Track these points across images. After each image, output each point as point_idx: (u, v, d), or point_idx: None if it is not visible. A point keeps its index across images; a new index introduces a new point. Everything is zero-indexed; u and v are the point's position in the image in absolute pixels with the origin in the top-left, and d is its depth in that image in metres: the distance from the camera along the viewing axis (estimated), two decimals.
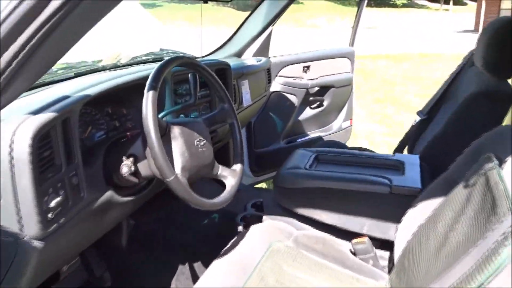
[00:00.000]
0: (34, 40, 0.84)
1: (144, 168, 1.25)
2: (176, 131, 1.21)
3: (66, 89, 1.25)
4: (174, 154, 1.19)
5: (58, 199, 1.05)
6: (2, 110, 0.99)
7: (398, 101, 6.30)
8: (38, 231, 1.00)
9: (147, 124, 1.09)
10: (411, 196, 1.42)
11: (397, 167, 1.67)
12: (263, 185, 3.13)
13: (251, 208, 1.87)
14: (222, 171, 1.35)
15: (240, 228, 1.72)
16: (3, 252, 1.03)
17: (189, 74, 1.64)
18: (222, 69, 1.91)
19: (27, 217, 0.99)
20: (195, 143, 1.25)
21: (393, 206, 1.47)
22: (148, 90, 1.12)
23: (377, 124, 5.15)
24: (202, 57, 2.44)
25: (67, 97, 1.15)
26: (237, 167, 1.39)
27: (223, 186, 1.36)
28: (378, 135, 4.73)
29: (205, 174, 1.30)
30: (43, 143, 1.01)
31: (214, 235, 2.00)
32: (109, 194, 1.27)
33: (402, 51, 10.99)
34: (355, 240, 1.41)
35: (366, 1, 2.99)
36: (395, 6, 22.34)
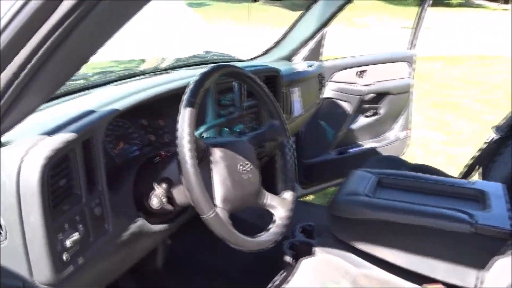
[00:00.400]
0: (44, 48, 0.67)
1: (180, 195, 1.06)
2: (216, 154, 1.02)
3: (93, 100, 1.09)
4: (214, 182, 1.00)
5: (76, 236, 0.88)
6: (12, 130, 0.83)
7: (457, 106, 5.86)
8: (49, 277, 0.83)
9: (182, 149, 0.90)
10: (497, 238, 1.16)
11: (478, 198, 1.40)
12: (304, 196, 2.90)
13: (300, 233, 1.65)
14: (270, 200, 1.14)
15: (287, 258, 1.51)
16: None
17: (234, 82, 1.44)
18: (271, 76, 1.70)
19: (36, 260, 0.82)
20: (239, 168, 1.05)
21: (475, 248, 1.21)
22: (185, 107, 0.93)
23: (434, 131, 4.78)
24: (249, 60, 2.24)
25: (91, 112, 0.98)
26: (288, 195, 1.18)
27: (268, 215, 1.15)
28: (435, 143, 4.37)
29: (249, 204, 1.10)
30: (58, 170, 0.84)
31: (258, 263, 1.79)
32: (139, 223, 1.09)
33: (459, 53, 10.36)
34: (427, 287, 1.17)
35: (430, 1, 2.70)
36: (450, 5, 21.34)
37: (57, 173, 0.84)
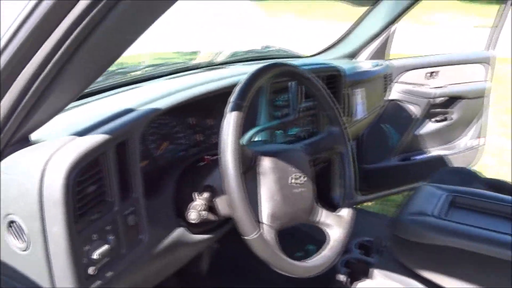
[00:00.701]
0: (67, 43, 0.58)
1: (223, 205, 0.95)
2: (265, 164, 0.89)
3: (137, 97, 1.00)
4: (261, 196, 0.88)
5: (105, 248, 0.79)
6: (38, 131, 0.75)
7: None
8: None
9: (225, 160, 0.79)
10: None
11: None
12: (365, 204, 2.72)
13: (356, 249, 1.50)
14: (324, 217, 1.00)
15: (341, 278, 1.37)
16: None
17: (291, 82, 1.30)
18: (333, 76, 1.55)
19: (59, 274, 0.74)
20: (290, 181, 0.92)
21: None
22: (232, 110, 0.81)
23: (507, 138, 4.38)
24: (310, 56, 2.10)
25: (129, 111, 0.89)
26: (346, 212, 1.03)
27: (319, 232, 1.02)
28: (509, 153, 3.99)
29: (300, 221, 0.97)
30: (87, 176, 0.76)
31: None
32: (178, 232, 0.99)
33: None
34: None
35: None
36: None
37: (86, 179, 0.75)
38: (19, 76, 0.66)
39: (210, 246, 1.65)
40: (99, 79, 1.29)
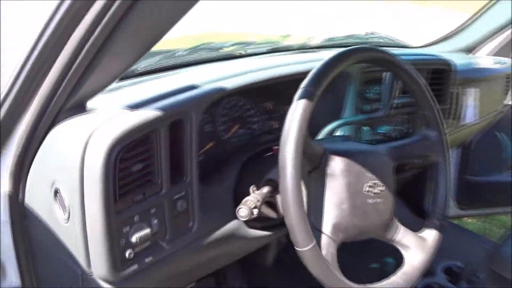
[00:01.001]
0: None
1: None
2: (336, 165, 0.76)
3: (203, 75, 0.92)
4: (326, 202, 0.75)
5: (146, 231, 0.73)
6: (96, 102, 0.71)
7: None
8: (107, 272, 0.71)
9: (284, 156, 0.67)
10: None
11: None
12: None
13: (442, 273, 1.30)
14: (402, 235, 0.85)
15: None
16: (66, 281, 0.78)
17: (386, 72, 1.13)
18: (440, 70, 1.33)
19: (95, 252, 0.70)
20: (365, 189, 0.78)
21: None
22: (300, 98, 0.69)
23: None
24: (419, 47, 1.86)
25: (191, 88, 0.81)
26: (430, 235, 0.86)
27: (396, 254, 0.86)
28: None
29: (370, 236, 0.83)
30: (133, 153, 0.69)
31: None
32: (233, 224, 0.91)
33: None
34: None
35: None
36: None
37: (132, 156, 0.69)
38: (70, 38, 0.61)
39: (278, 239, 1.55)
40: (182, 52, 1.26)
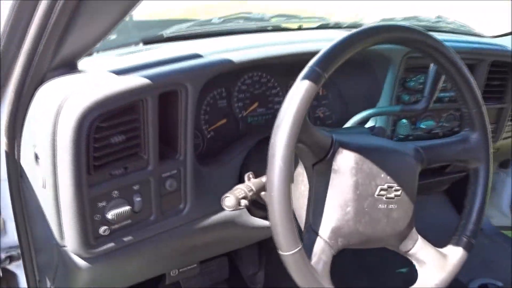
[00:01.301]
0: None
1: None
2: (345, 160, 0.65)
3: (216, 45, 0.83)
4: (328, 201, 0.65)
5: (125, 208, 0.67)
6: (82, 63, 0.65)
7: None
8: (79, 248, 0.66)
9: (274, 144, 0.57)
10: None
11: None
12: None
13: None
14: (419, 248, 0.72)
15: None
16: (43, 254, 0.74)
17: (431, 64, 0.97)
18: (502, 63, 1.14)
19: (67, 225, 0.65)
20: (378, 192, 0.67)
21: None
22: (304, 78, 0.59)
23: None
24: (492, 37, 1.64)
25: (193, 57, 0.73)
26: (454, 252, 0.74)
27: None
28: None
29: (381, 246, 0.71)
30: (113, 123, 0.63)
31: None
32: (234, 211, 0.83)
33: None
34: None
35: None
36: None
37: (111, 126, 0.63)
38: None
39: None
40: (216, 20, 1.17)
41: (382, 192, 0.67)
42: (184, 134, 0.71)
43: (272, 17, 1.30)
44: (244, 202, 0.69)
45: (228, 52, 0.77)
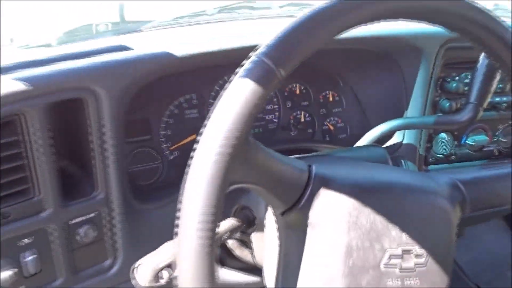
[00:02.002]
0: None
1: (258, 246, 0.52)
2: (329, 209, 0.40)
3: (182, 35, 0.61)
4: (302, 268, 0.40)
5: (8, 273, 0.45)
6: None
7: None
8: None
9: (194, 176, 0.32)
10: None
11: None
12: None
13: None
14: None
15: None
16: None
17: (482, 56, 0.68)
18: None
19: None
20: (385, 260, 0.41)
21: None
22: (244, 76, 0.34)
23: None
24: None
25: (117, 49, 0.50)
26: None
27: None
28: None
29: None
30: None
31: None
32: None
33: None
34: None
35: None
36: None
37: None
38: None
39: None
40: (213, 11, 0.96)
41: (394, 261, 0.41)
42: (102, 160, 0.49)
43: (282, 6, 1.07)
44: (166, 275, 0.44)
45: (185, 44, 0.54)
